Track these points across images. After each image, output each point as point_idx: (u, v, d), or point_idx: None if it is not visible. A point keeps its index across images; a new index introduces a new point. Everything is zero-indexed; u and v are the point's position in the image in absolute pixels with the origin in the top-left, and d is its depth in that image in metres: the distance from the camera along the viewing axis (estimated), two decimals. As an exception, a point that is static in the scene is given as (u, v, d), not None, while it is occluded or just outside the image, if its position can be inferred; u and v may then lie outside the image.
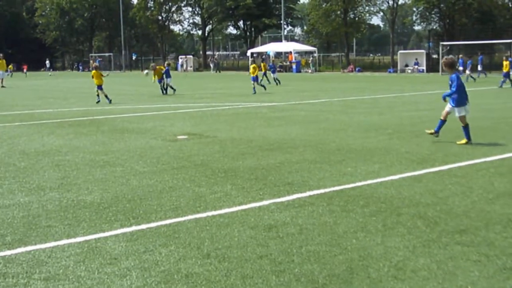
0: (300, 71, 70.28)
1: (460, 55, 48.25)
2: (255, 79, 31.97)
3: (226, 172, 9.54)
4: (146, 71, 33.09)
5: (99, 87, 26.14)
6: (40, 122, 17.94)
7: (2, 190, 8.56)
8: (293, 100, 25.84)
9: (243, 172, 9.53)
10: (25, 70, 79.78)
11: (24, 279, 5.11)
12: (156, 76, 31.87)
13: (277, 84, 37.74)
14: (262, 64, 40.96)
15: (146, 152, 11.76)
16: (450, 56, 12.29)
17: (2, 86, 41.45)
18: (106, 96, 25.75)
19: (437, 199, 7.56)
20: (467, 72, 41.00)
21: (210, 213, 7.08)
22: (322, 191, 8.15)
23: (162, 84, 31.80)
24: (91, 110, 21.92)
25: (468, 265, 5.22)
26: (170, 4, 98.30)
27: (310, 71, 69.52)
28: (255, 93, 30.60)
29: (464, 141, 12.02)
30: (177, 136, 14.05)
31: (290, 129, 15.04)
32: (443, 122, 12.34)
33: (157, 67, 32.54)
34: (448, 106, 12.27)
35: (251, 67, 33.29)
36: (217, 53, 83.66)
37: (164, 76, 31.86)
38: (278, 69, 72.09)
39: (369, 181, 8.71)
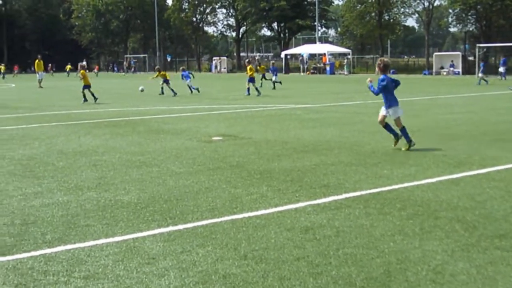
0: (334, 73, 70.04)
1: (502, 56, 47.58)
2: (252, 80, 32.09)
3: (261, 174, 9.56)
4: (141, 87, 33.61)
5: (86, 86, 27.42)
6: (77, 123, 18.17)
7: (42, 189, 8.69)
8: (327, 102, 25.77)
9: (278, 174, 9.53)
10: (59, 70, 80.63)
11: (65, 277, 5.18)
12: (158, 77, 33.63)
13: (274, 87, 36.41)
14: (260, 67, 41.17)
15: (181, 153, 11.83)
16: (386, 59, 12.59)
17: (40, 87, 42.11)
18: (92, 94, 27.14)
19: (475, 203, 7.47)
20: (480, 75, 40.67)
21: (246, 214, 7.09)
22: (358, 193, 8.12)
23: (164, 86, 32.83)
24: (127, 111, 22.13)
25: (509, 270, 5.15)
26: (204, 5, 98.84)
27: (345, 73, 69.21)
28: (249, 94, 31.14)
29: (407, 146, 11.76)
30: (212, 137, 14.12)
31: (325, 131, 15.01)
32: (387, 125, 12.10)
33: (161, 71, 34.44)
34: (382, 110, 12.14)
35: (247, 68, 33.41)
36: (258, 55, 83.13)
37: (183, 78, 34.00)
38: (312, 70, 72.34)
39: (405, 184, 8.65)
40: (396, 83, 12.25)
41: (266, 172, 9.71)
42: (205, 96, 30.96)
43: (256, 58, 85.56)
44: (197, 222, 6.79)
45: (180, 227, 6.63)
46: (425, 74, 65.34)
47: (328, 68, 70.84)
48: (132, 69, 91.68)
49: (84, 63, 30.26)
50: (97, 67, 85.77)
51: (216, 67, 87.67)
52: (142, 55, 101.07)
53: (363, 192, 8.16)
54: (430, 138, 13.44)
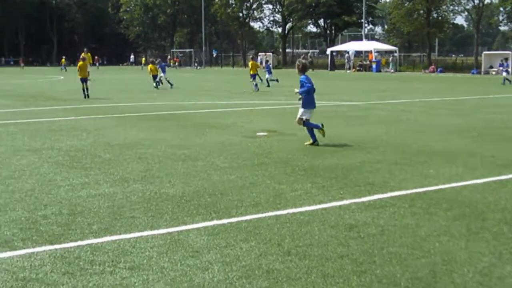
0: (380, 71, 69.40)
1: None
2: (255, 76, 32.40)
3: (306, 170, 9.53)
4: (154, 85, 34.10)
5: (83, 79, 26.40)
6: (123, 115, 18.39)
7: (89, 180, 8.83)
8: (373, 99, 25.56)
9: (323, 171, 9.50)
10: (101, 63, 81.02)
11: (110, 267, 5.25)
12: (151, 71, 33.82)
13: (268, 85, 35.27)
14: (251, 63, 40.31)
15: (226, 148, 11.87)
16: (303, 60, 12.96)
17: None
18: (86, 88, 26.23)
19: (524, 205, 7.33)
20: (504, 74, 40.11)
21: (290, 211, 7.09)
22: (403, 192, 8.04)
23: (157, 78, 33.72)
24: (172, 105, 22.30)
25: (558, 275, 5.04)
26: (251, 1, 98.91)
27: (391, 70, 68.54)
28: (258, 90, 31.32)
29: (309, 141, 12.13)
30: (257, 133, 14.13)
31: (370, 129, 14.89)
32: (308, 123, 12.29)
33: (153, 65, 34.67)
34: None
35: (249, 64, 33.76)
36: (311, 51, 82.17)
37: (160, 70, 34.11)
38: (358, 68, 71.80)
39: (452, 184, 8.53)
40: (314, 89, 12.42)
41: (310, 168, 9.68)
42: (250, 92, 30.98)
43: (309, 55, 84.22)
44: (241, 217, 6.81)
45: (224, 221, 6.66)
46: (473, 73, 64.24)
47: (374, 65, 70.23)
48: (177, 64, 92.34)
49: (84, 54, 29.11)
50: (97, 58, 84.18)
51: (261, 62, 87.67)
52: (188, 50, 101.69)
53: (409, 191, 8.08)
54: (478, 139, 13.23)
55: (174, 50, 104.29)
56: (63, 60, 73.40)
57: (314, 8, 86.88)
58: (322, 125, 12.38)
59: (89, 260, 5.43)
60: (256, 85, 31.90)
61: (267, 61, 35.41)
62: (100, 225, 6.50)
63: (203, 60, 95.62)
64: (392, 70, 68.87)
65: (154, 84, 33.44)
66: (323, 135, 12.35)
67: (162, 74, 34.09)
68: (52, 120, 17.06)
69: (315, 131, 12.31)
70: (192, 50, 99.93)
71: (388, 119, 17.41)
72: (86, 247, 5.79)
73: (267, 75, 35.18)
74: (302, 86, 12.27)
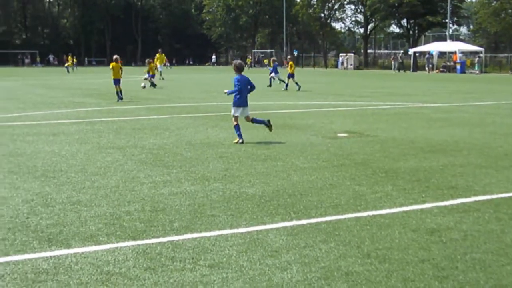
0: (464, 72, 67.70)
1: None
2: (291, 75, 32.82)
3: (387, 172, 9.41)
4: (143, 84, 33.53)
5: (116, 81, 24.72)
6: (205, 115, 18.63)
7: (171, 178, 8.99)
8: (456, 101, 24.96)
9: (404, 173, 9.35)
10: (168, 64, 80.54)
11: (191, 264, 5.34)
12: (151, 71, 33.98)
13: (269, 85, 34.78)
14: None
15: (306, 148, 11.86)
16: (239, 61, 13.43)
17: (162, 78, 43.86)
18: (119, 91, 24.65)
19: None
20: None
21: (370, 213, 7.02)
22: (488, 197, 7.82)
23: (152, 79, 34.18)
24: (253, 105, 22.38)
25: None
26: (332, 1, 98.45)
27: (476, 72, 66.77)
28: (286, 88, 32.31)
29: (236, 140, 12.65)
30: (337, 134, 14.05)
31: (454, 131, 14.56)
32: (254, 119, 13.17)
33: (151, 63, 35.05)
34: (233, 111, 12.99)
35: (288, 64, 34.25)
36: (400, 52, 79.96)
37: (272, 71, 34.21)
38: (441, 69, 70.30)
39: (540, 190, 8.24)
40: (252, 87, 13.07)
41: (391, 171, 9.56)
42: (331, 93, 30.86)
43: (399, 56, 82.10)
44: (320, 218, 6.79)
45: (304, 222, 6.65)
46: None
47: (458, 66, 68.59)
48: (253, 64, 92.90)
49: (116, 56, 26.96)
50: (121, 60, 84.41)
51: (342, 63, 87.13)
52: (269, 50, 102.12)
53: (494, 196, 7.86)
54: None
55: (255, 50, 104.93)
56: (70, 59, 68.99)
57: (397, 8, 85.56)
58: (268, 121, 13.25)
59: (170, 256, 5.53)
60: (287, 85, 32.66)
61: (274, 61, 34.87)
62: (181, 223, 6.61)
63: (284, 61, 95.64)
64: (478, 72, 67.04)
65: (147, 84, 33.58)
66: (270, 130, 13.31)
67: (273, 74, 34.00)
68: (135, 119, 17.47)
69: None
70: (273, 50, 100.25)
71: (471, 122, 16.96)
72: (167, 243, 5.90)
73: (273, 74, 34.47)
74: (234, 86, 13.02)
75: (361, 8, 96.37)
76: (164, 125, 15.78)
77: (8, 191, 8.15)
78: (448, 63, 72.68)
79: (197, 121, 16.81)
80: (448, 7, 78.36)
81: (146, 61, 36.31)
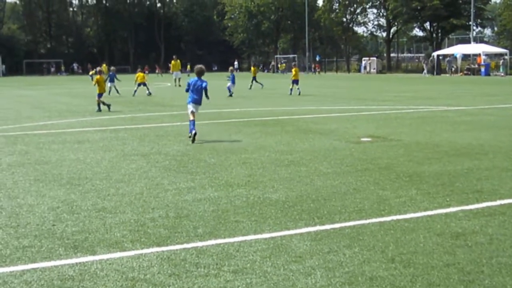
0: (489, 74, 67.07)
1: None
2: (295, 82, 33.24)
3: (410, 177, 9.36)
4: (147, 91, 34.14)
5: (100, 95, 23.37)
6: (227, 121, 18.69)
7: (194, 185, 9.03)
8: (481, 104, 24.76)
9: (428, 177, 9.30)
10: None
11: (215, 270, 5.36)
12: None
13: (250, 87, 36.77)
14: (252, 69, 41.90)
15: (329, 153, 11.84)
16: (199, 66, 15.06)
17: (179, 85, 44.01)
18: (103, 103, 23.33)
19: None
20: None
21: (394, 217, 6.98)
22: (514, 200, 7.75)
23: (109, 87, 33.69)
24: (276, 111, 22.45)
25: None
26: (355, 6, 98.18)
27: (501, 74, 66.12)
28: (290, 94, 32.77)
29: (189, 135, 14.04)
30: (361, 138, 14.01)
31: (479, 135, 14.44)
32: (192, 121, 14.18)
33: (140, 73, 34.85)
34: (189, 107, 14.56)
35: (293, 70, 34.38)
36: (434, 54, 78.31)
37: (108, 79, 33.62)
38: (465, 71, 69.66)
39: None
40: (204, 88, 14.49)
41: (415, 175, 9.50)
42: (354, 97, 30.77)
43: (430, 60, 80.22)
44: (344, 223, 6.78)
45: (327, 227, 6.64)
46: None
47: (483, 69, 67.97)
48: (278, 69, 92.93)
49: (99, 68, 26.75)
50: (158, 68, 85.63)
51: (365, 67, 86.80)
52: (291, 56, 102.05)
53: (520, 199, 7.78)
54: None
55: (278, 55, 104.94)
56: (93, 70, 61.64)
57: (420, 11, 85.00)
58: (195, 133, 13.88)
59: (195, 262, 5.56)
60: (292, 90, 33.23)
61: (232, 70, 34.59)
62: (205, 229, 6.64)
63: (306, 66, 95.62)
64: (503, 74, 66.39)
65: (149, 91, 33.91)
66: (192, 142, 13.83)
67: (230, 84, 33.00)
68: (159, 126, 17.57)
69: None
70: (295, 55, 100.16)
71: (497, 124, 16.81)
72: (191, 249, 5.93)
73: (230, 84, 33.56)
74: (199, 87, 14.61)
75: (384, 12, 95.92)
76: (187, 132, 15.80)
77: (34, 199, 8.25)
78: (473, 66, 72.03)
79: (220, 127, 16.86)
80: (471, 9, 77.70)
81: (138, 70, 36.45)
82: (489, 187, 8.53)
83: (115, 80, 35.46)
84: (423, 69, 74.39)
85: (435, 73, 72.44)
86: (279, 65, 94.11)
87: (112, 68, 37.91)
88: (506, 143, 12.95)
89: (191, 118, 14.19)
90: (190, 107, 14.47)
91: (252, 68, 41.60)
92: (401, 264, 5.40)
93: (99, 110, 23.18)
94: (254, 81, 40.15)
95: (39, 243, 6.24)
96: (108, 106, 23.17)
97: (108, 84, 33.06)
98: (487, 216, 7.00)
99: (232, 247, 6.01)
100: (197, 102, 14.58)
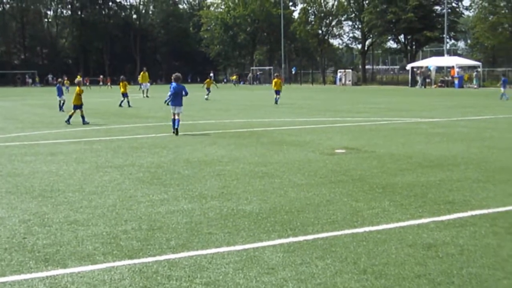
0: (462, 86, 67.80)
1: None
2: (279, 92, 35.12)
3: (384, 188, 9.42)
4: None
5: (76, 107, 22.81)
6: (202, 133, 18.66)
7: (168, 196, 9.00)
8: (454, 116, 25.01)
9: (401, 189, 9.37)
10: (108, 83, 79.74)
11: (187, 282, 5.34)
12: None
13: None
14: (207, 81, 44.29)
15: (304, 165, 11.87)
16: (176, 74, 18.86)
17: (147, 96, 44.11)
18: (71, 116, 22.84)
19: None
20: (502, 89, 38.97)
21: (367, 229, 7.02)
22: (485, 211, 7.83)
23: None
24: (251, 122, 22.48)
25: None
26: (330, 18, 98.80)
27: (474, 86, 66.85)
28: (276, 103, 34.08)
29: (172, 130, 18.01)
30: (335, 150, 14.07)
31: (451, 146, 14.58)
32: (174, 120, 18.05)
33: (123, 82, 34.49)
34: (172, 109, 18.32)
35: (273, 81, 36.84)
36: (431, 66, 77.58)
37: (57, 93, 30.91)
38: (439, 84, 70.36)
39: (537, 204, 8.25)
40: (185, 92, 18.54)
41: (388, 186, 9.57)
42: (329, 109, 30.91)
43: (428, 72, 79.77)
44: (317, 234, 6.80)
45: (300, 238, 6.66)
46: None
47: (456, 81, 68.69)
48: (257, 81, 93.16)
49: (80, 79, 25.70)
50: (108, 79, 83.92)
51: (340, 79, 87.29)
52: (267, 67, 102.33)
53: (490, 210, 7.87)
54: None
55: (254, 67, 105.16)
56: (66, 80, 57.78)
57: (395, 24, 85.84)
58: (176, 129, 17.92)
59: (167, 275, 5.53)
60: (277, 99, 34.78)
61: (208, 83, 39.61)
62: (178, 241, 6.61)
63: (282, 77, 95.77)
64: (476, 86, 67.18)
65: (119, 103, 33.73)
66: (175, 133, 17.74)
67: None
68: (134, 138, 17.49)
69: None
70: (271, 67, 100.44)
71: (469, 136, 16.99)
72: (163, 262, 5.91)
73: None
74: (169, 91, 18.49)
75: (359, 24, 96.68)
76: (162, 143, 15.80)
77: (5, 211, 8.16)
78: (446, 78, 72.77)
79: (196, 139, 16.83)
80: (445, 22, 78.62)
81: (121, 78, 36.02)
82: (461, 198, 8.62)
83: (63, 93, 31.74)
84: (416, 81, 73.27)
85: (409, 85, 72.91)
86: (231, 77, 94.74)
87: (59, 80, 34.27)
88: (478, 155, 13.09)
89: (174, 117, 17.90)
90: (173, 110, 18.06)
91: (207, 80, 44.88)
92: (372, 276, 5.43)
93: (86, 122, 22.62)
94: (208, 91, 42.80)
95: (9, 256, 6.17)
96: (83, 118, 22.74)
97: (58, 98, 30.73)
98: (458, 227, 7.06)
99: (204, 259, 5.99)
100: (178, 104, 18.16)
